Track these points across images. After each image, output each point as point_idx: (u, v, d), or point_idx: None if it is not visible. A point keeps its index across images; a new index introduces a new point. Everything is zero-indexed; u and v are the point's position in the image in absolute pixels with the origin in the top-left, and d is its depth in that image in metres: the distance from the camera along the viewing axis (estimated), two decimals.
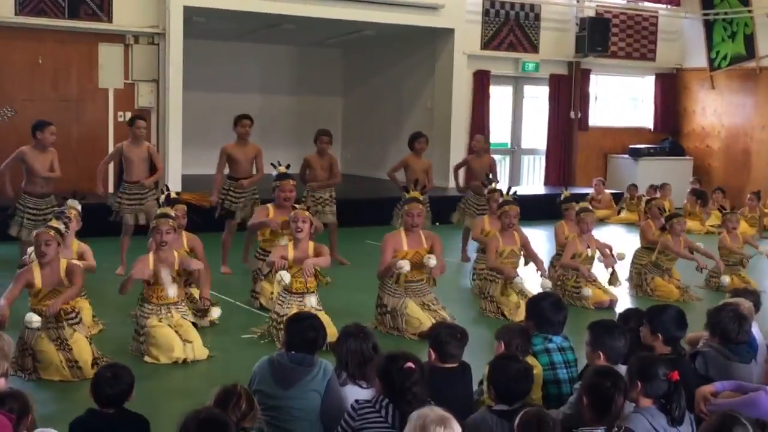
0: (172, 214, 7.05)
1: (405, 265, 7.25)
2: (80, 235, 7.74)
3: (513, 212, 8.45)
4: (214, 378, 5.71)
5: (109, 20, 13.15)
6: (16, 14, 12.51)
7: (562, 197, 9.72)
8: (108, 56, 13.33)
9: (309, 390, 4.53)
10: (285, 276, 6.96)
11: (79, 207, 7.76)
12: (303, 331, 4.69)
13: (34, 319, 6.06)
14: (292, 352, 4.66)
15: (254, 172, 10.13)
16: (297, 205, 7.59)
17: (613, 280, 9.03)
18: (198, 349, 6.55)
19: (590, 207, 9.33)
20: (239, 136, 10.02)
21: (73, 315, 6.30)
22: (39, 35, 12.84)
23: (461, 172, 11.80)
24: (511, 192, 9.04)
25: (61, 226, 6.48)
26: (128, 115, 13.42)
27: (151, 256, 6.76)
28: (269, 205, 8.50)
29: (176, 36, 13.19)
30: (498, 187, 9.63)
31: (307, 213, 7.34)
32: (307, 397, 4.52)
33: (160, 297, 6.72)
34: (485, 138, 11.94)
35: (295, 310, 6.59)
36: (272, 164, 8.83)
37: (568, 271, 8.88)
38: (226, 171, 10.17)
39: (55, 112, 12.79)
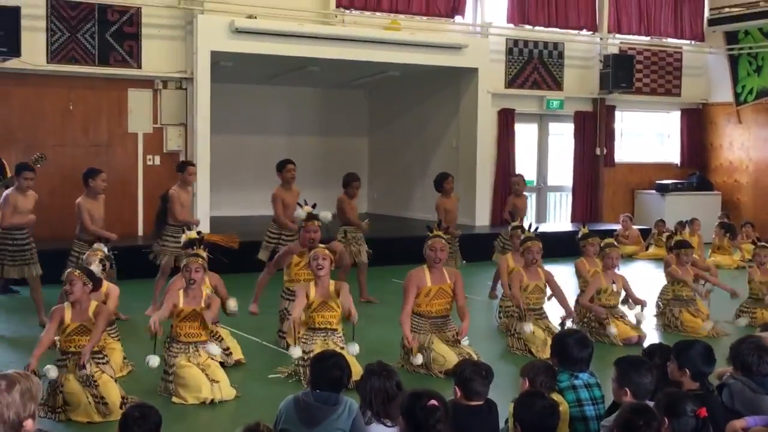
0: (204, 255, 7.13)
1: (417, 359, 7.28)
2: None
3: (536, 248, 8.46)
4: (241, 418, 5.72)
5: (138, 66, 13.39)
6: (47, 62, 12.77)
7: (580, 234, 9.72)
8: (137, 101, 13.55)
9: (334, 429, 4.53)
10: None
11: (106, 249, 7.87)
12: (328, 370, 4.70)
13: (51, 373, 6.16)
14: (317, 390, 4.68)
15: None
16: (321, 245, 7.64)
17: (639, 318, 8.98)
18: (225, 389, 6.58)
19: (615, 243, 9.31)
20: (286, 180, 10.19)
21: (101, 356, 6.36)
22: (70, 82, 13.08)
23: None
24: (532, 229, 9.05)
25: (98, 269, 6.61)
26: (157, 158, 13.66)
27: (180, 294, 6.84)
28: (293, 245, 8.58)
29: (203, 80, 13.37)
30: (520, 224, 9.70)
31: (327, 251, 7.39)
32: None
33: (188, 335, 6.78)
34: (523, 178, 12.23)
35: (319, 347, 6.62)
36: (298, 203, 8.91)
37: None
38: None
39: (85, 157, 13.00)
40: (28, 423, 3.41)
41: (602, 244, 9.15)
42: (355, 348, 6.93)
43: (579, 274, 9.56)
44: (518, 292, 8.33)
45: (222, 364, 7.00)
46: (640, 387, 4.67)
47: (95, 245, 7.98)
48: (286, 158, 10.49)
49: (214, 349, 6.95)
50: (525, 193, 12.25)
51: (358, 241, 10.57)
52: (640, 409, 4.10)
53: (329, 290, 7.25)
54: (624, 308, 9.05)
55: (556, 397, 4.89)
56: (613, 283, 8.88)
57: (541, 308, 8.48)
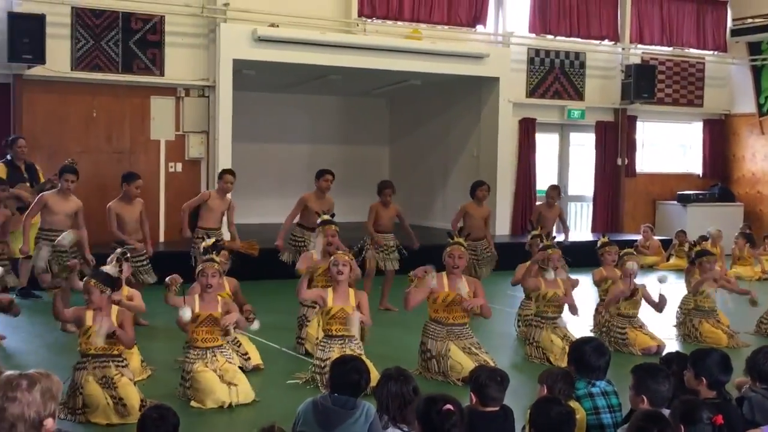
0: (219, 260, 7.18)
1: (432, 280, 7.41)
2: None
3: (556, 256, 8.46)
4: (258, 423, 5.73)
5: (161, 74, 13.50)
6: (72, 69, 12.91)
7: (599, 243, 9.71)
8: (160, 109, 13.66)
9: None
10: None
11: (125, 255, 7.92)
12: (347, 374, 4.73)
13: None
14: (336, 394, 4.70)
15: None
16: (339, 250, 7.65)
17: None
18: (243, 393, 6.59)
19: (634, 252, 9.29)
20: (321, 189, 10.29)
21: (120, 359, 6.42)
22: (93, 89, 13.21)
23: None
24: (550, 237, 9.04)
25: (114, 269, 6.68)
26: (179, 165, 13.76)
27: (196, 299, 6.88)
28: (313, 251, 8.61)
29: (226, 88, 13.46)
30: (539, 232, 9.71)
31: (347, 257, 7.41)
32: None
33: (205, 340, 6.82)
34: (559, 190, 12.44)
35: (336, 354, 6.65)
36: (316, 212, 8.95)
37: (614, 317, 8.85)
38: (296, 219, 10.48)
39: (108, 163, 13.13)
40: (49, 422, 3.45)
41: (621, 254, 9.14)
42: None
43: (597, 283, 9.56)
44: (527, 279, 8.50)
45: (241, 368, 7.03)
46: (657, 394, 4.66)
47: (118, 251, 8.02)
48: (325, 168, 10.65)
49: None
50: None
51: (389, 249, 10.58)
52: (653, 417, 4.09)
53: (349, 297, 7.27)
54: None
55: (573, 404, 4.89)
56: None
57: (559, 317, 8.46)
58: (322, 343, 7.22)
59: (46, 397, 3.44)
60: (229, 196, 10.33)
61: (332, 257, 7.50)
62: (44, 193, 9.30)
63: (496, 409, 4.76)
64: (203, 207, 10.06)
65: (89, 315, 6.34)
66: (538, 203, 12.21)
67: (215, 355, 6.79)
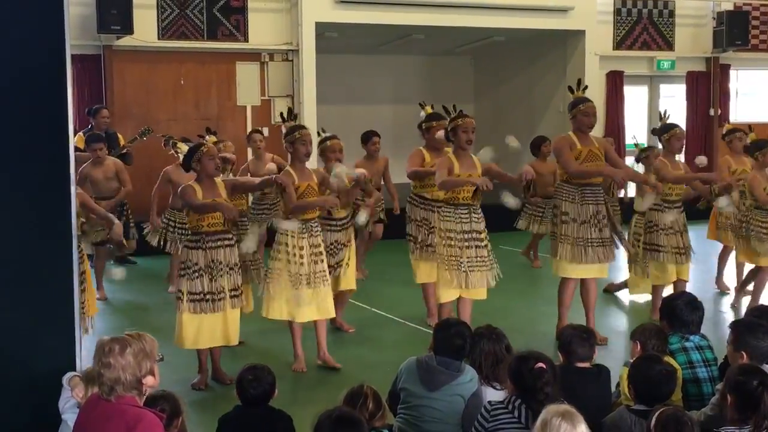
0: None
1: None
2: None
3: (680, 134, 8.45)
4: (350, 383, 5.82)
5: (246, 40, 13.62)
6: (158, 39, 13.12)
7: (725, 130, 9.32)
8: (245, 74, 13.80)
9: (454, 394, 4.53)
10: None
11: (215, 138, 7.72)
12: (450, 338, 4.69)
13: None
14: (439, 356, 4.67)
15: (382, 182, 10.32)
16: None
17: None
18: (323, 311, 6.67)
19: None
20: (370, 153, 10.20)
21: (230, 237, 6.40)
22: (180, 57, 13.41)
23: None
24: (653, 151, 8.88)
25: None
26: (266, 130, 13.85)
27: (293, 173, 6.82)
28: (422, 149, 8.39)
29: (309, 52, 13.52)
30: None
31: (474, 122, 7.30)
32: (451, 400, 4.53)
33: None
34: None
35: (461, 226, 6.87)
36: (420, 103, 8.86)
37: (750, 210, 8.49)
38: None
39: (197, 131, 13.17)
40: (149, 380, 3.56)
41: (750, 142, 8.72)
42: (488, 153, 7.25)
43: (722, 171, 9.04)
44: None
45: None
46: (757, 350, 4.55)
47: (207, 137, 7.80)
48: (370, 130, 10.47)
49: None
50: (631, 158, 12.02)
51: None
52: (752, 370, 4.00)
53: (475, 164, 7.17)
54: None
55: (669, 360, 4.81)
56: None
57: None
58: (445, 211, 7.10)
59: (139, 358, 3.53)
60: (267, 154, 10.25)
61: (460, 121, 7.30)
62: (81, 168, 9.33)
63: (588, 365, 4.72)
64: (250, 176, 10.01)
65: (199, 190, 6.31)
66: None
67: (312, 229, 6.75)
